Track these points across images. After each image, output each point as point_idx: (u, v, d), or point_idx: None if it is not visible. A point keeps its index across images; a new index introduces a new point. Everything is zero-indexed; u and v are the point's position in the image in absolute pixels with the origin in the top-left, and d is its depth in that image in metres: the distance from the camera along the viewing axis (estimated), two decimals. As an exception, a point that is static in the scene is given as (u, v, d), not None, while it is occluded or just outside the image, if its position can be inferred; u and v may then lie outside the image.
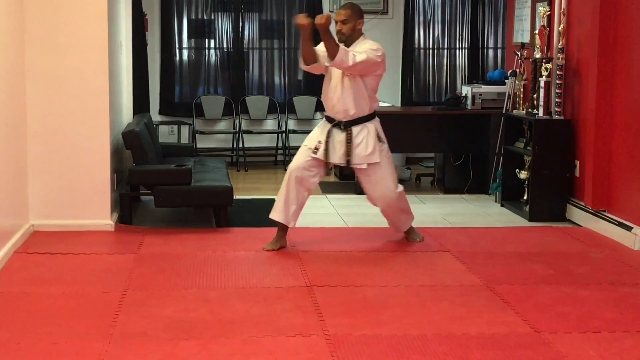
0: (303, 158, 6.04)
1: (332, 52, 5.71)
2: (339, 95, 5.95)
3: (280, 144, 10.69)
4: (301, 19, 5.83)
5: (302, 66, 6.06)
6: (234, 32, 10.82)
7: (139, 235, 6.51)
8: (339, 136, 5.99)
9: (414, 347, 4.18)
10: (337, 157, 6.01)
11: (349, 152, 5.96)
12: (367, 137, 5.98)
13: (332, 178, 9.65)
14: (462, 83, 10.87)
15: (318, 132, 6.12)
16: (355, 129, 5.98)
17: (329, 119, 6.08)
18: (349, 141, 5.95)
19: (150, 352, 4.06)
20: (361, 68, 5.84)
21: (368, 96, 6.00)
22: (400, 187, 6.22)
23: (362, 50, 5.85)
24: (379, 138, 6.05)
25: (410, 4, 10.94)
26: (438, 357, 4.05)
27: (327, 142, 5.99)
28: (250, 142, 10.51)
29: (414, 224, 6.46)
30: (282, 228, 6.09)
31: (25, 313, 4.64)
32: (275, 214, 6.04)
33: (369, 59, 5.82)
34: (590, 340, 4.32)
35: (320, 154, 5.99)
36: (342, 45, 5.79)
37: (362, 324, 4.51)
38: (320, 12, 10.70)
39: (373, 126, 6.05)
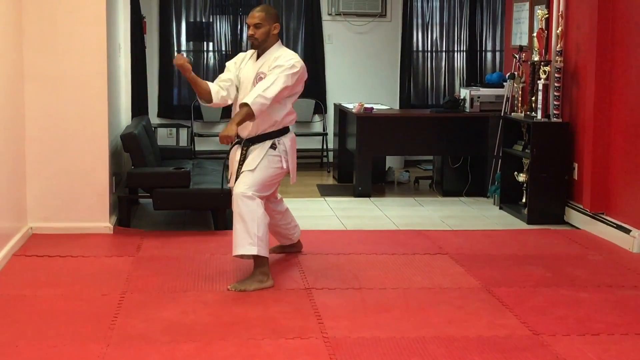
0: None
1: (248, 116, 5.10)
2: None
3: (278, 147, 10.67)
4: (178, 60, 5.22)
5: (205, 104, 5.47)
6: (232, 35, 10.83)
7: (137, 238, 6.50)
8: (236, 155, 5.41)
9: (413, 350, 4.18)
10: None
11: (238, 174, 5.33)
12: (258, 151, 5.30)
13: (330, 180, 9.66)
14: (460, 86, 10.87)
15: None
16: (252, 148, 5.33)
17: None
18: (241, 163, 5.33)
19: (149, 355, 4.06)
20: (280, 97, 5.20)
21: (269, 112, 5.23)
22: (249, 197, 5.17)
23: (275, 73, 5.18)
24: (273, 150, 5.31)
25: (408, 7, 10.96)
26: (437, 359, 4.07)
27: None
28: (248, 144, 10.52)
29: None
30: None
31: (24, 316, 4.64)
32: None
33: (284, 86, 5.17)
34: (589, 343, 4.32)
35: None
36: (251, 99, 5.06)
37: (361, 327, 4.51)
38: (319, 16, 10.75)
39: (270, 143, 5.31)
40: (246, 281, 5.17)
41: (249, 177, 5.21)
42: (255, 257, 5.19)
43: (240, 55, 5.58)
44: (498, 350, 4.18)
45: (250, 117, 5.10)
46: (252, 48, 5.45)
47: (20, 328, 4.42)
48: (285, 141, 5.38)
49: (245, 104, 5.07)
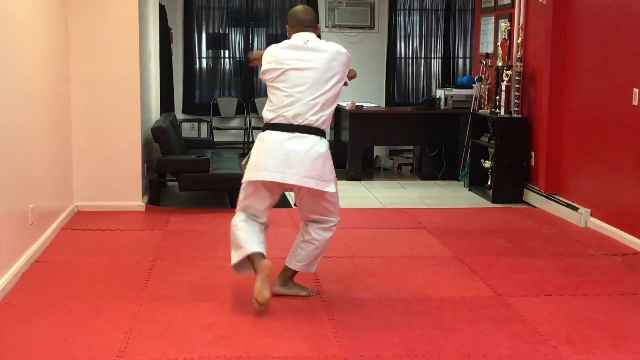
0: None
1: None
2: None
3: (283, 138, 10.66)
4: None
5: None
6: (245, 44, 10.80)
7: (165, 215, 6.51)
8: None
9: (396, 308, 4.19)
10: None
11: None
12: None
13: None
14: (436, 87, 10.86)
15: None
16: None
17: None
18: None
19: (175, 312, 4.07)
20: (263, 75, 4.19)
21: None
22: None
23: None
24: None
25: (393, 21, 10.93)
26: (416, 316, 4.06)
27: None
28: (258, 136, 10.52)
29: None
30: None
31: (71, 279, 4.65)
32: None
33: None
34: (543, 302, 4.34)
35: None
36: None
37: (353, 289, 4.52)
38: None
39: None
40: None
41: None
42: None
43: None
44: (467, 309, 4.20)
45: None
46: None
47: (68, 290, 4.44)
48: (257, 142, 4.17)
49: None
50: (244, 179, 4.18)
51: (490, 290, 4.54)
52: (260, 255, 4.09)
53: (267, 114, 4.12)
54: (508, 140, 7.35)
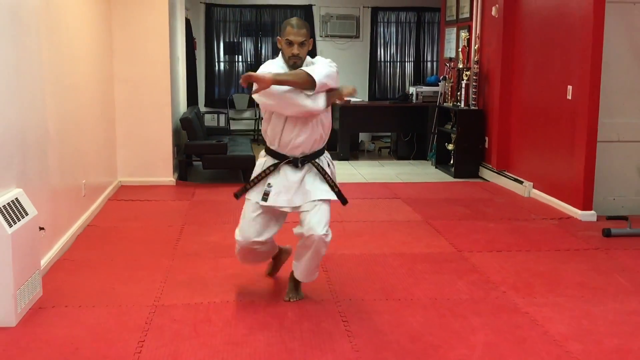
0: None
1: (302, 82, 3.07)
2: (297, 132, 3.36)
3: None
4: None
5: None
6: (255, 50, 10.73)
7: (192, 188, 6.50)
8: (291, 176, 3.38)
9: (377, 262, 4.21)
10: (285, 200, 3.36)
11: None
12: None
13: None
14: (409, 85, 10.82)
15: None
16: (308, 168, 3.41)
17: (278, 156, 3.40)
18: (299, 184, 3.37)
19: (201, 266, 4.09)
20: (328, 86, 3.29)
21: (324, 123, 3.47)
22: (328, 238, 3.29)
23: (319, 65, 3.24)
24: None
25: (374, 31, 10.87)
26: (393, 268, 4.08)
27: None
28: (266, 125, 10.49)
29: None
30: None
31: (116, 240, 4.66)
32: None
33: (331, 72, 3.29)
34: (494, 257, 4.36)
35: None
36: (317, 75, 3.16)
37: (342, 247, 4.53)
38: (313, 37, 10.62)
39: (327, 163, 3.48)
40: (300, 291, 3.54)
41: (325, 214, 3.28)
42: None
43: (269, 66, 3.30)
44: (434, 262, 4.22)
45: (301, 85, 3.04)
46: (292, 68, 3.24)
47: (115, 248, 4.45)
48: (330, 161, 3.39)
49: (308, 74, 3.06)
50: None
51: (452, 247, 4.57)
52: None
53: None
54: (467, 127, 7.34)
